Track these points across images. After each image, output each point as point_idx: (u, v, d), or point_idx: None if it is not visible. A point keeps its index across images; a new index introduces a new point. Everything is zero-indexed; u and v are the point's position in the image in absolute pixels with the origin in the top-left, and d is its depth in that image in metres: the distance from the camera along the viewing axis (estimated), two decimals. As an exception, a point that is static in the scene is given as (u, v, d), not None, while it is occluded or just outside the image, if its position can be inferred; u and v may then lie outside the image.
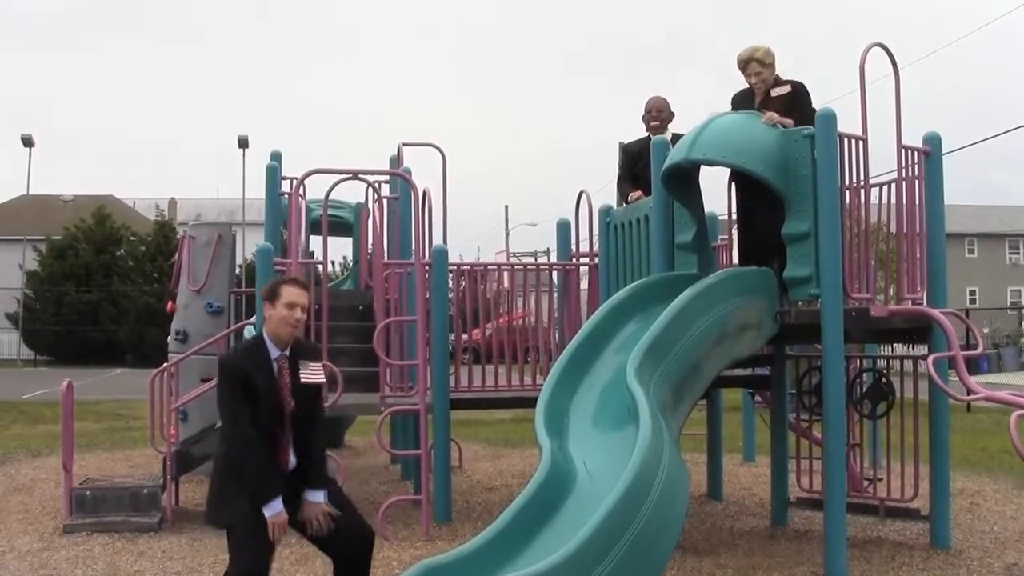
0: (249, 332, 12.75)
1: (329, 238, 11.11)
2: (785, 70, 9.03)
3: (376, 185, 12.11)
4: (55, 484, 11.95)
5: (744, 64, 8.79)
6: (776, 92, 8.88)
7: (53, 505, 10.98)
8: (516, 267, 11.92)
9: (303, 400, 5.93)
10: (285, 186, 12.38)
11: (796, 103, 8.74)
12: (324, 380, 6.18)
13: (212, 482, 5.87)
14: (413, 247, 10.91)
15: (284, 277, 6.19)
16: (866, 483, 10.10)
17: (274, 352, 5.87)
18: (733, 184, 9.34)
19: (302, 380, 5.94)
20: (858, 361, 10.14)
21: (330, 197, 10.96)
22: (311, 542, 6.03)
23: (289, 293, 5.88)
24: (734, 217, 9.63)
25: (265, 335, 5.90)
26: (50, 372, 38.88)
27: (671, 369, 7.07)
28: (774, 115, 8.48)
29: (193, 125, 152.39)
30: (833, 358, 8.02)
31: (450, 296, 10.93)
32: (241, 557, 5.61)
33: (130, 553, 8.98)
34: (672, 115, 10.26)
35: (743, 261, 9.16)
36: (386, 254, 11.80)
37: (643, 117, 10.26)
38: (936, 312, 8.36)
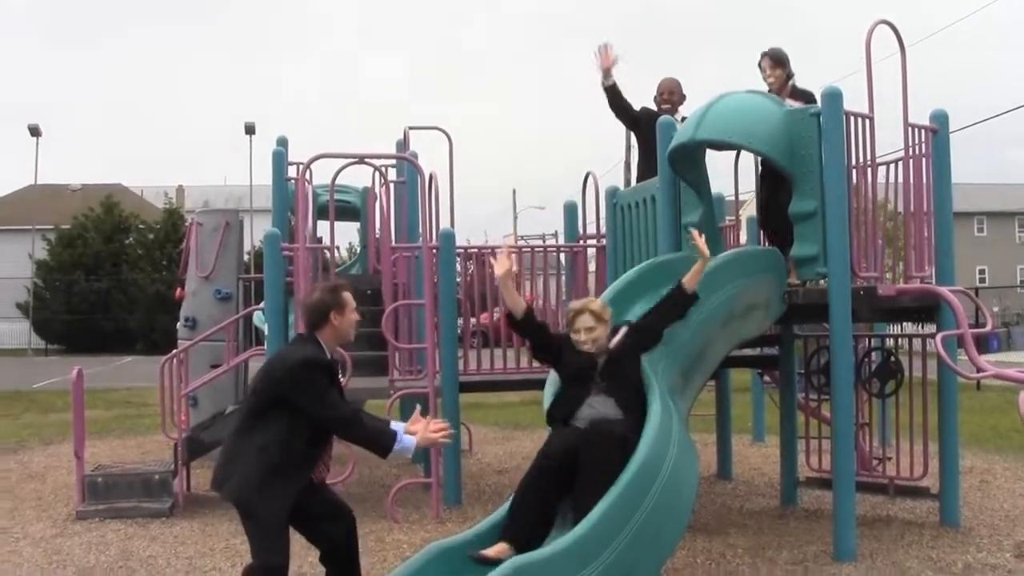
0: (258, 318, 12.78)
1: (336, 223, 11.11)
2: (792, 51, 9.05)
3: (383, 169, 12.11)
4: (67, 471, 11.99)
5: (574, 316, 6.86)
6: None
7: (66, 492, 11.02)
8: (524, 250, 11.91)
9: None
10: (292, 171, 12.38)
11: None
12: None
13: (254, 469, 5.70)
14: (420, 231, 10.92)
15: (335, 284, 6.23)
16: (875, 462, 10.12)
17: (327, 354, 6.06)
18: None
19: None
20: (866, 340, 10.14)
21: (337, 182, 10.97)
22: (301, 532, 6.04)
23: (351, 299, 6.11)
24: (742, 198, 9.64)
25: (320, 340, 6.00)
26: (61, 361, 38.95)
27: (680, 350, 7.09)
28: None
29: (200, 112, 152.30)
30: (841, 337, 8.03)
31: (458, 279, 10.93)
32: (276, 550, 5.70)
33: (142, 539, 9.02)
34: (684, 97, 10.24)
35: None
36: (393, 238, 11.79)
37: (654, 98, 10.25)
38: (944, 290, 8.35)
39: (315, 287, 6.40)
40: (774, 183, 8.95)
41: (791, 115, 8.26)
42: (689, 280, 6.85)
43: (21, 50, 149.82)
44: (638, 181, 10.50)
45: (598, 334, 6.59)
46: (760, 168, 9.38)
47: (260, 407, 5.83)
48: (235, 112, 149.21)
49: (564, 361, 6.71)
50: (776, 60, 9.05)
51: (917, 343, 10.07)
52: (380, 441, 5.81)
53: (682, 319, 6.94)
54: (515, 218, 66.68)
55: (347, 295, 6.09)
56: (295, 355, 5.88)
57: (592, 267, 11.97)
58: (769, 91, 9.09)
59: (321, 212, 12.80)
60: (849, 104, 8.06)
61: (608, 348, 6.63)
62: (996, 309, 43.31)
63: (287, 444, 5.73)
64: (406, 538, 8.81)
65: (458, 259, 10.93)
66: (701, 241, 6.99)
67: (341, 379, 6.36)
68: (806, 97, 8.98)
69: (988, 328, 9.30)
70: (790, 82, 9.09)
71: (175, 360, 11.28)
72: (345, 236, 40.26)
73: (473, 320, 11.07)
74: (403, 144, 12.65)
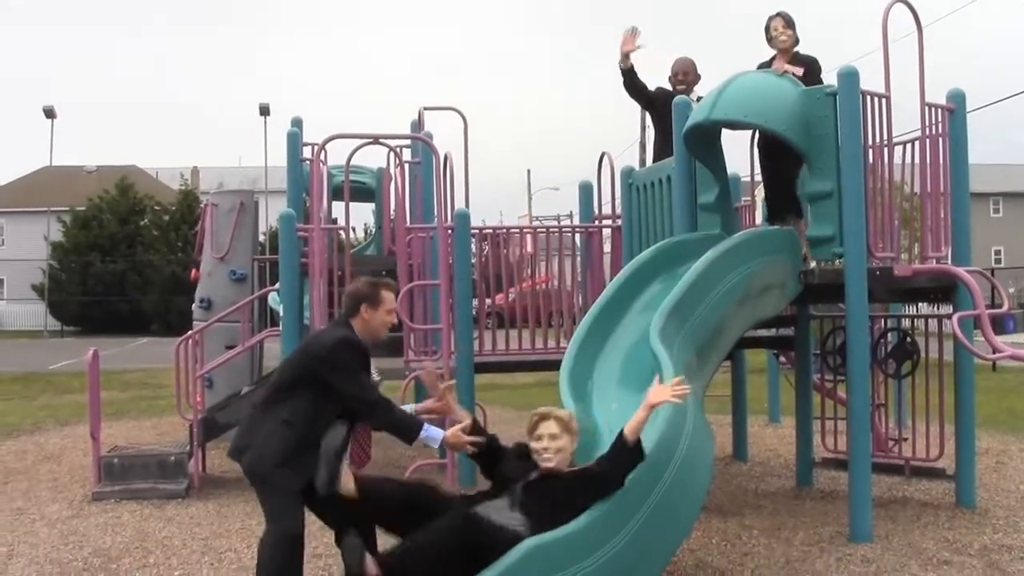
0: (273, 299, 12.78)
1: (351, 203, 11.10)
2: (807, 33, 9.02)
3: (398, 150, 12.08)
4: (83, 453, 12.03)
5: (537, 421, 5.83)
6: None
7: (82, 473, 11.07)
8: (539, 230, 11.89)
9: None
10: (307, 152, 12.37)
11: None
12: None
13: (275, 441, 5.75)
14: (435, 211, 10.91)
15: (380, 280, 6.22)
16: (891, 443, 10.10)
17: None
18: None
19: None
20: (882, 321, 10.11)
21: (352, 162, 10.95)
22: (315, 513, 6.08)
23: (390, 300, 6.12)
24: (757, 178, 9.62)
25: (353, 327, 6.04)
26: (76, 342, 39.02)
27: (695, 330, 7.07)
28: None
29: (214, 93, 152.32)
30: (857, 318, 8.01)
31: (473, 260, 10.92)
32: (290, 519, 5.74)
33: (158, 520, 9.05)
34: (699, 77, 10.23)
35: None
36: (408, 219, 11.78)
37: (669, 79, 10.24)
38: (960, 270, 8.32)
39: (362, 278, 6.42)
40: (774, 157, 8.98)
41: (807, 95, 8.23)
42: (631, 428, 5.44)
43: (35, 32, 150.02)
44: (654, 161, 10.48)
45: (563, 445, 5.65)
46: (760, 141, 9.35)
47: (290, 383, 5.90)
48: (250, 93, 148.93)
49: (502, 464, 5.89)
50: (788, 21, 9.02)
51: (933, 324, 10.03)
52: (407, 427, 5.86)
53: (629, 473, 5.47)
54: (530, 199, 66.68)
55: (386, 293, 6.11)
56: (334, 334, 5.97)
57: (607, 248, 11.95)
58: (778, 52, 9.06)
59: (336, 193, 12.77)
60: (866, 83, 8.03)
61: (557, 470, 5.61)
62: (1012, 290, 43.11)
63: (312, 422, 5.77)
64: (421, 519, 8.82)
65: (473, 239, 10.90)
66: (654, 388, 5.66)
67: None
68: (808, 63, 8.95)
69: (1004, 309, 9.27)
70: (796, 47, 9.07)
71: (190, 341, 11.30)
72: (360, 217, 40.18)
73: (488, 301, 11.06)
74: (418, 124, 12.62)
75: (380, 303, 6.04)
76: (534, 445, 5.70)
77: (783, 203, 8.95)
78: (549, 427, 5.66)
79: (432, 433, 5.82)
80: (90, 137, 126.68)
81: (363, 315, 6.01)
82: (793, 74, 8.59)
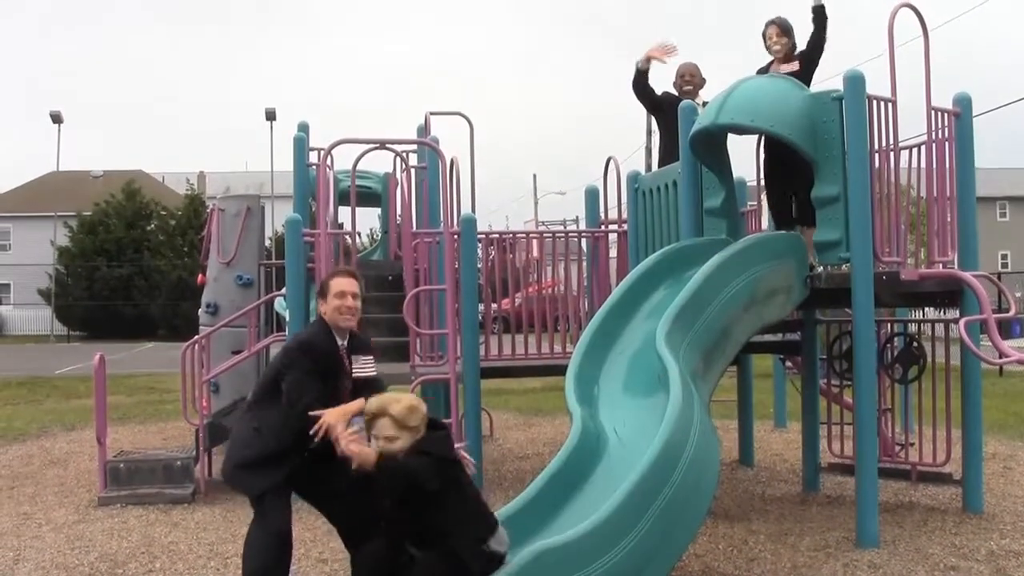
0: (280, 304, 12.78)
1: (357, 208, 11.10)
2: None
3: (404, 155, 12.07)
4: (89, 457, 12.04)
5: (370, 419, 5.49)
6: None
7: (88, 478, 11.07)
8: (545, 235, 11.88)
9: (361, 389, 5.90)
10: (313, 157, 12.37)
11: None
12: (374, 374, 6.17)
13: (246, 448, 5.88)
14: (441, 216, 10.90)
15: (332, 270, 6.24)
16: (898, 448, 10.08)
17: (339, 340, 6.04)
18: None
19: (353, 375, 6.08)
20: (889, 325, 10.10)
21: (358, 167, 10.94)
22: (323, 513, 6.10)
23: (338, 283, 6.04)
24: (763, 183, 9.61)
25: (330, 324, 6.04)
26: (83, 347, 39.11)
27: (701, 335, 7.06)
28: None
29: (221, 99, 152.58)
30: (864, 322, 7.99)
31: (479, 265, 10.91)
32: (275, 518, 5.77)
33: (164, 524, 9.05)
34: (704, 81, 10.26)
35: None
36: (415, 224, 11.78)
37: (674, 83, 10.26)
38: (967, 275, 8.31)
39: None
40: (778, 163, 8.99)
41: (814, 99, 8.23)
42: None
43: (42, 38, 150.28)
44: (660, 166, 10.49)
45: (400, 447, 5.08)
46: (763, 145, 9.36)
47: (266, 388, 5.95)
48: (256, 98, 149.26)
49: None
50: (784, 29, 9.03)
51: (940, 328, 10.02)
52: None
53: None
54: (536, 203, 66.65)
55: (333, 280, 6.08)
56: (300, 336, 6.07)
57: (614, 252, 11.94)
58: (773, 60, 9.09)
59: (342, 198, 12.77)
60: (872, 88, 8.03)
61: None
62: (1019, 294, 43.00)
63: (278, 432, 5.77)
64: (427, 523, 8.80)
65: (479, 244, 10.89)
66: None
67: (365, 360, 6.26)
68: (799, 56, 9.01)
69: (1011, 313, 9.24)
70: (795, 53, 9.08)
71: (197, 346, 11.29)
72: (366, 222, 40.27)
73: (494, 306, 11.05)
74: (424, 129, 12.62)
75: (327, 291, 6.02)
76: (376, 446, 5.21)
77: (798, 213, 8.94)
78: (383, 428, 5.12)
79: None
80: (97, 142, 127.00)
81: (320, 309, 6.06)
82: (790, 72, 8.65)
